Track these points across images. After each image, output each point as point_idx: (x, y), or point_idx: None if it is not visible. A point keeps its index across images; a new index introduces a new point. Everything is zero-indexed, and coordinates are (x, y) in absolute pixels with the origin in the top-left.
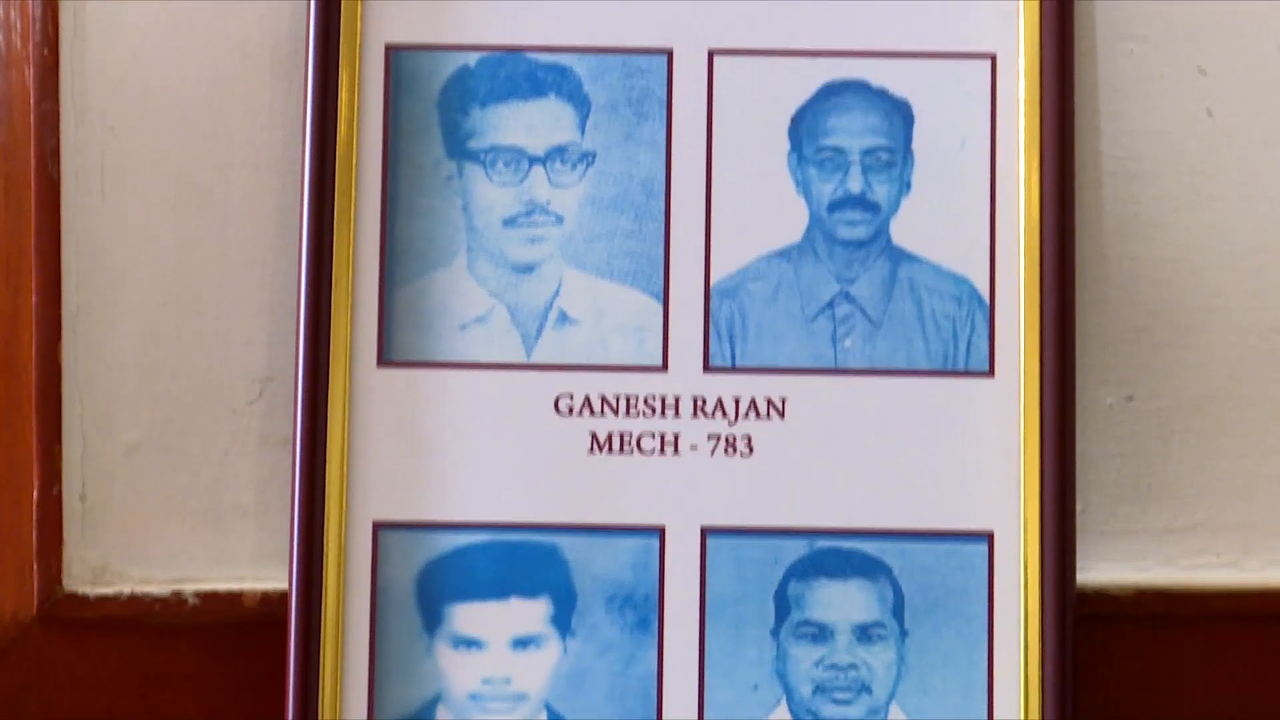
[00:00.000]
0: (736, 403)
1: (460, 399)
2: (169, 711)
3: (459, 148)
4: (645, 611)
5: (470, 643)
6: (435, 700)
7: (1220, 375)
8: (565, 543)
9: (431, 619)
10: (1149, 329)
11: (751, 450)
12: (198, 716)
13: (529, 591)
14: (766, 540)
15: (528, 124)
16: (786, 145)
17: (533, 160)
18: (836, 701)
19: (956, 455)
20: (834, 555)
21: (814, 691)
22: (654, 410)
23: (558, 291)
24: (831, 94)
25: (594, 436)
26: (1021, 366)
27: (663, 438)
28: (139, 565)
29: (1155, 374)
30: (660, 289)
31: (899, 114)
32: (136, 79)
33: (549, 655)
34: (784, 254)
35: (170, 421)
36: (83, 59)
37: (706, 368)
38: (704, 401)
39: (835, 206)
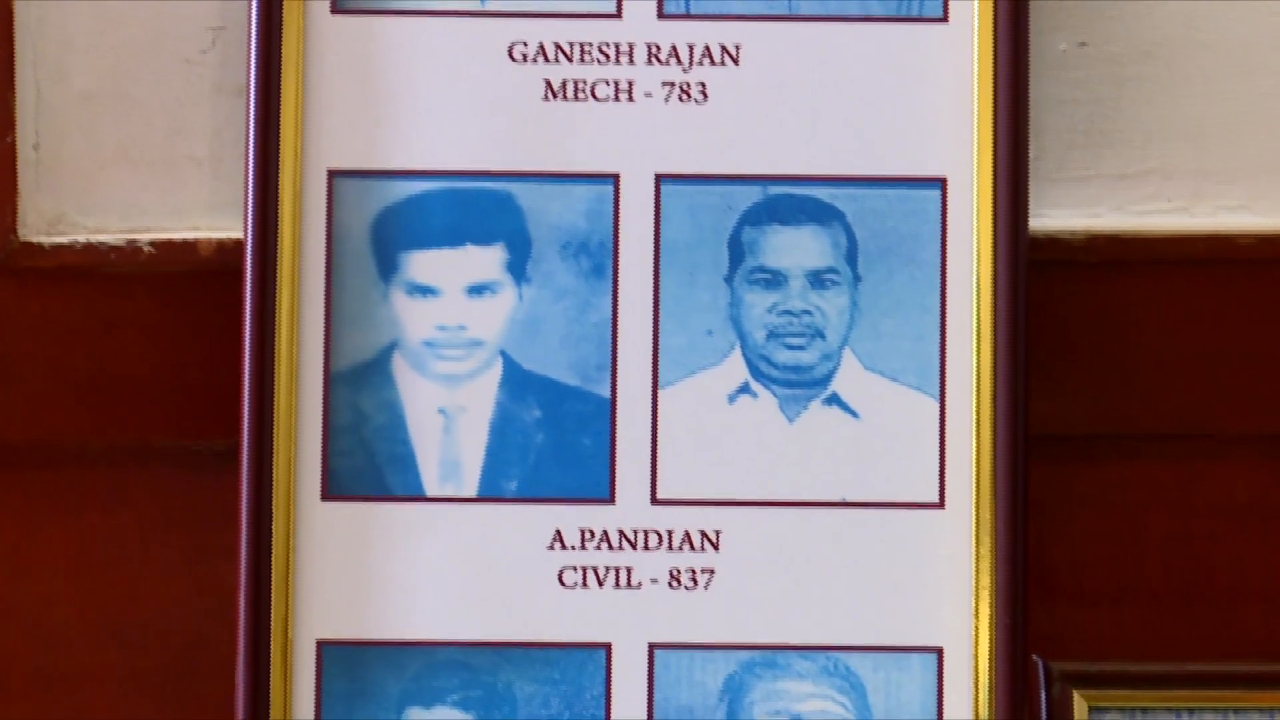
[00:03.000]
0: (691, 49)
1: (415, 47)
2: (125, 360)
3: None
4: (600, 258)
5: (425, 290)
6: (391, 347)
7: (1175, 20)
8: (520, 190)
9: (387, 266)
10: None
11: (706, 97)
12: (154, 365)
13: (484, 239)
14: (720, 187)
15: None
16: None
17: None
18: (789, 347)
19: (910, 101)
20: (787, 201)
21: (767, 337)
22: (608, 57)
23: None
24: None
25: (548, 84)
26: (975, 10)
27: (617, 85)
28: (94, 214)
29: (1109, 19)
30: None
31: None
32: None
33: (504, 302)
34: None
35: (123, 70)
36: None
37: (661, 14)
38: (658, 48)
39: None
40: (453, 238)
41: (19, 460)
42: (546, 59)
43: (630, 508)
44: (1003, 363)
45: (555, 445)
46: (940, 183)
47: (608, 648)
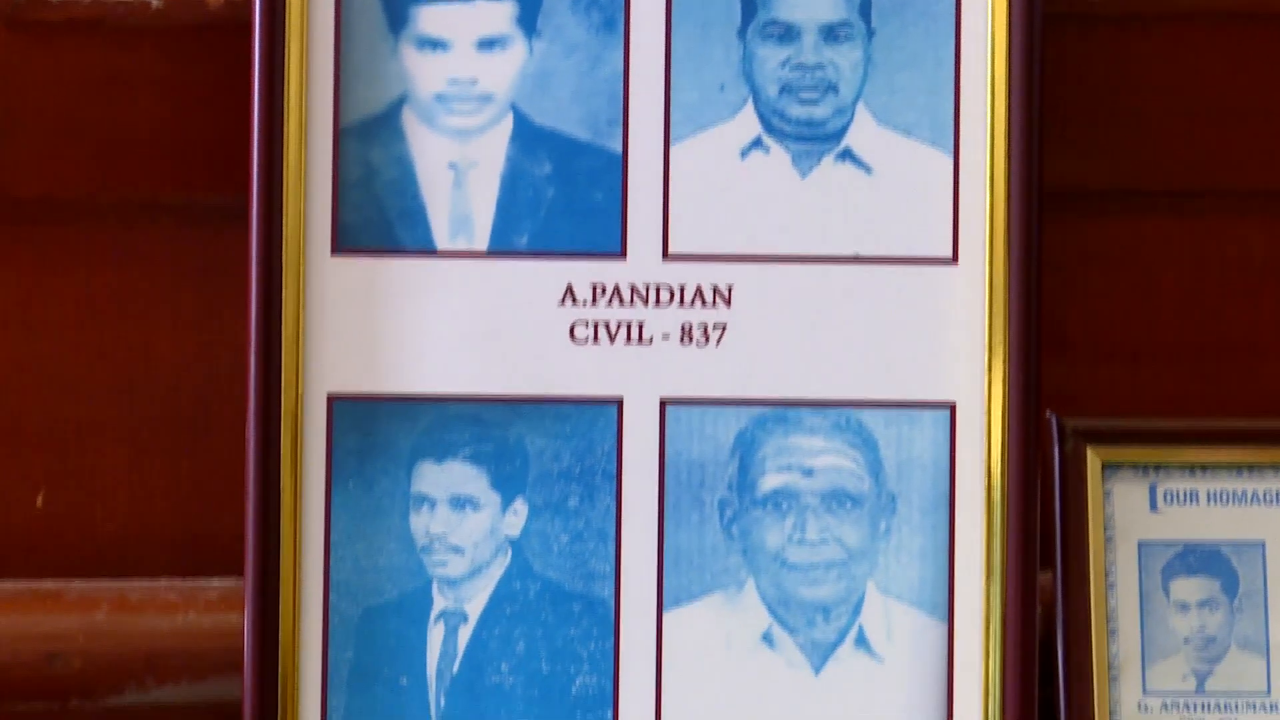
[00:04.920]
0: None
1: None
2: (133, 115)
3: None
4: (611, 11)
5: (435, 43)
6: (401, 101)
7: None
8: None
9: (396, 19)
10: None
11: None
12: (162, 120)
13: None
14: None
15: None
16: None
17: None
18: (802, 101)
19: None
20: None
21: (780, 91)
22: None
23: None
24: None
25: None
26: None
27: None
28: None
29: None
30: None
31: None
32: None
33: (515, 56)
34: None
35: None
36: None
37: None
38: None
39: None
40: None
41: (28, 215)
42: None
43: (642, 263)
44: (1017, 117)
45: (566, 200)
46: None
47: (619, 402)
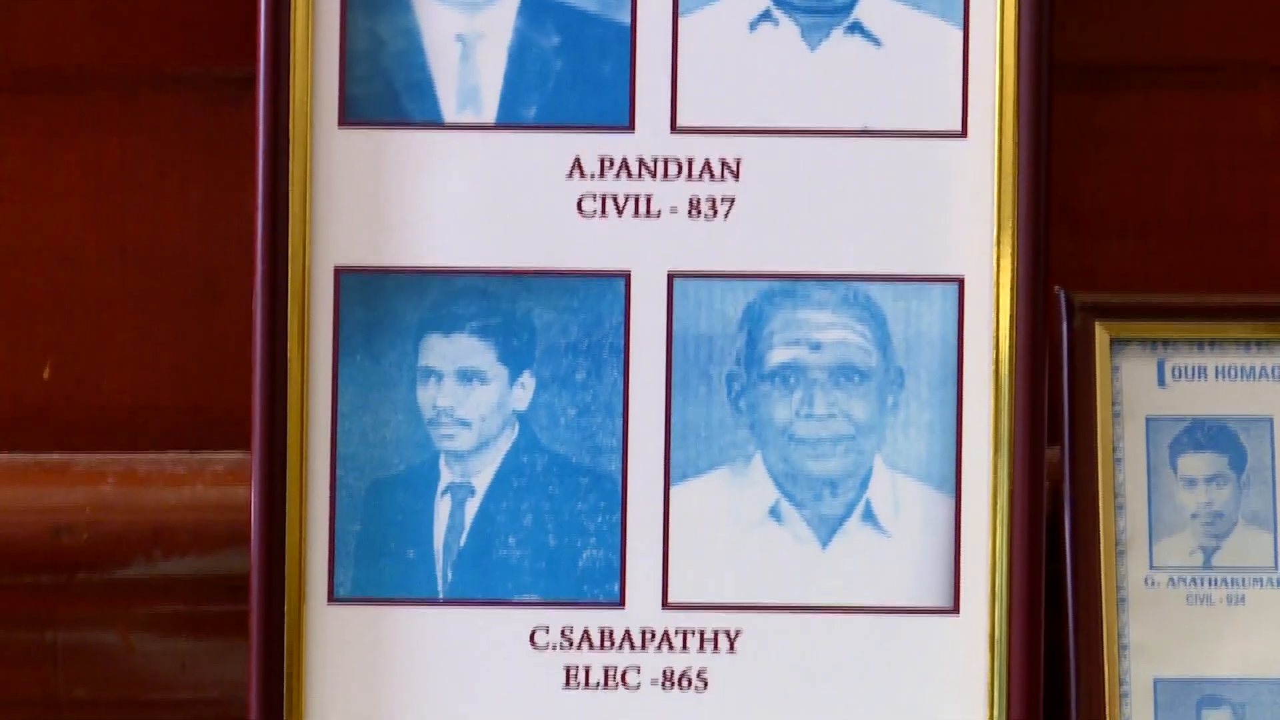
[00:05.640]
0: None
1: None
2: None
3: None
4: None
5: None
6: None
7: None
8: None
9: None
10: None
11: None
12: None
13: None
14: None
15: None
16: None
17: None
18: None
19: None
20: None
21: None
22: None
23: None
24: None
25: None
26: None
27: None
28: None
29: None
30: None
31: None
32: None
33: None
34: None
35: None
36: None
37: None
38: None
39: None
40: None
41: (34, 85)
42: None
43: (650, 136)
44: None
45: (574, 72)
46: None
47: (627, 276)
